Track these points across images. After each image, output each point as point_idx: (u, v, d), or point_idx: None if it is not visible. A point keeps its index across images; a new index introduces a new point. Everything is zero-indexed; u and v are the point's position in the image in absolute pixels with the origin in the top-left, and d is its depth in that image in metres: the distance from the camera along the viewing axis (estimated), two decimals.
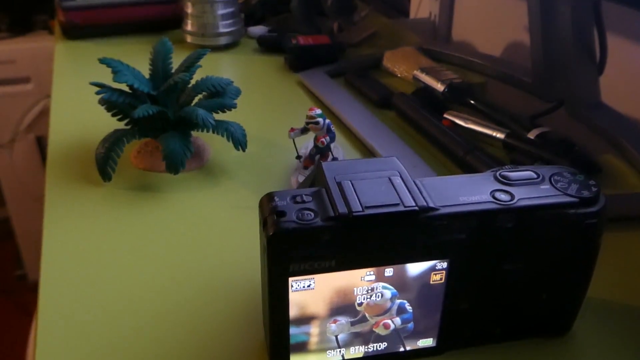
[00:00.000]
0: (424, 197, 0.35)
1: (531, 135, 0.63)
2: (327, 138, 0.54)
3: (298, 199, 0.35)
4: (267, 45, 0.89)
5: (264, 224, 0.34)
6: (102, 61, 0.57)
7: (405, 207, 0.34)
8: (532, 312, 0.39)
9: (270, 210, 0.34)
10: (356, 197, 0.34)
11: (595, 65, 0.67)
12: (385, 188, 0.35)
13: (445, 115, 0.67)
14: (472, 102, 0.71)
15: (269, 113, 0.72)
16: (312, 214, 0.34)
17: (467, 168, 0.58)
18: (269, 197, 0.35)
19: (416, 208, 0.34)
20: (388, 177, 0.36)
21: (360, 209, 0.33)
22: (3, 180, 1.64)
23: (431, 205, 0.34)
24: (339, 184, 0.35)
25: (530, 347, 0.40)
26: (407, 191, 0.35)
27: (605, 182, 0.58)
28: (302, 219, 0.33)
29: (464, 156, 0.59)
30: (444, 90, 0.73)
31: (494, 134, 0.64)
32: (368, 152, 0.63)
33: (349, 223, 0.33)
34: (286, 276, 0.34)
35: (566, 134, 0.63)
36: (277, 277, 0.34)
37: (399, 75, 0.81)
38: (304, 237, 0.33)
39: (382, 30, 0.97)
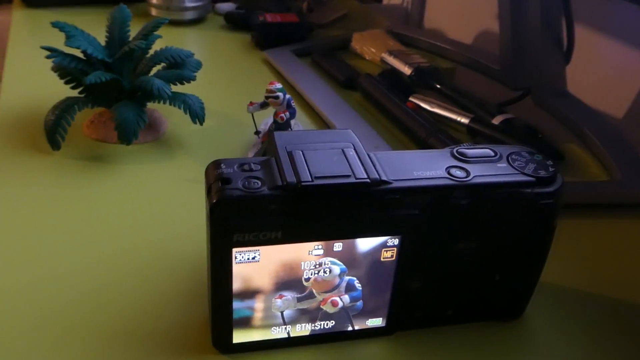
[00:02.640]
0: (377, 170, 0.33)
1: (495, 121, 0.62)
2: (287, 114, 0.53)
3: (246, 167, 0.33)
4: (234, 22, 0.87)
5: (208, 191, 0.32)
6: (55, 25, 0.55)
7: (356, 179, 0.32)
8: (484, 293, 0.38)
9: (215, 177, 0.33)
10: (306, 167, 0.33)
11: (562, 54, 0.67)
12: (338, 159, 0.34)
13: (411, 98, 0.66)
14: (438, 86, 0.70)
15: (232, 89, 0.70)
16: (259, 182, 0.32)
17: None
18: (215, 164, 0.34)
19: (368, 180, 0.32)
20: (341, 149, 0.35)
21: (310, 179, 0.32)
22: None
23: (384, 178, 0.33)
24: (290, 154, 0.34)
25: (483, 330, 0.39)
26: (359, 163, 0.34)
27: (568, 170, 0.58)
28: (248, 187, 0.32)
29: (427, 138, 0.58)
30: (411, 73, 0.72)
31: (459, 118, 0.63)
32: None
33: (297, 193, 0.32)
34: (229, 247, 0.32)
35: (531, 121, 0.62)
36: (219, 248, 0.32)
37: (367, 57, 0.79)
38: (249, 205, 0.31)
39: (353, 13, 0.95)
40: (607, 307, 0.42)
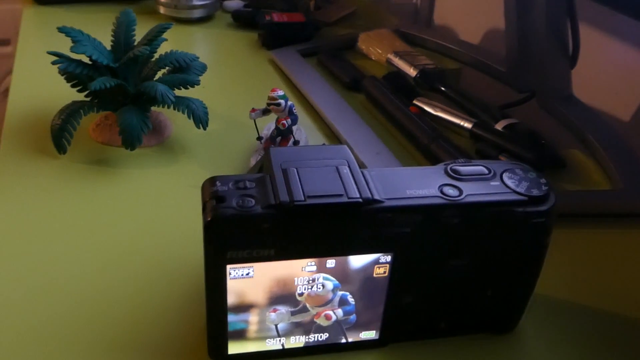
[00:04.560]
0: (369, 189, 0.34)
1: (499, 126, 0.62)
2: (289, 120, 0.53)
3: (241, 184, 0.34)
4: (241, 21, 0.87)
5: (203, 208, 0.33)
6: (62, 30, 0.55)
7: (348, 198, 0.33)
8: (477, 308, 0.39)
9: (210, 194, 0.33)
10: (300, 186, 0.33)
11: (568, 58, 0.66)
12: (331, 177, 0.34)
13: (415, 102, 0.66)
14: (443, 89, 0.70)
15: (237, 91, 0.71)
16: (253, 200, 0.33)
17: (431, 156, 0.58)
18: (210, 182, 0.34)
19: (360, 200, 0.33)
20: (336, 167, 0.35)
21: (302, 198, 0.32)
22: None
23: (376, 197, 0.33)
24: (285, 171, 0.34)
25: (476, 342, 0.40)
26: (353, 182, 0.34)
27: (569, 177, 0.58)
28: (242, 205, 0.32)
29: (429, 144, 0.58)
30: (416, 75, 0.72)
31: (462, 123, 0.63)
32: (333, 136, 0.62)
33: (289, 212, 0.32)
34: (223, 263, 0.33)
35: (535, 125, 0.62)
36: (214, 264, 0.33)
37: (373, 57, 0.79)
38: (243, 224, 0.32)
39: (361, 11, 0.95)
40: (602, 321, 0.42)
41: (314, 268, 0.34)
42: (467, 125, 0.62)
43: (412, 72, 0.73)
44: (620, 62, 0.69)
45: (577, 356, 0.40)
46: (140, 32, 0.59)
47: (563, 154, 0.60)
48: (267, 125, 0.58)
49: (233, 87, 0.72)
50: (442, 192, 0.35)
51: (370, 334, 0.38)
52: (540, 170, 0.37)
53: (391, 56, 0.76)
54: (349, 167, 0.35)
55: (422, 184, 0.35)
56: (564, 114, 0.65)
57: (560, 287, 0.45)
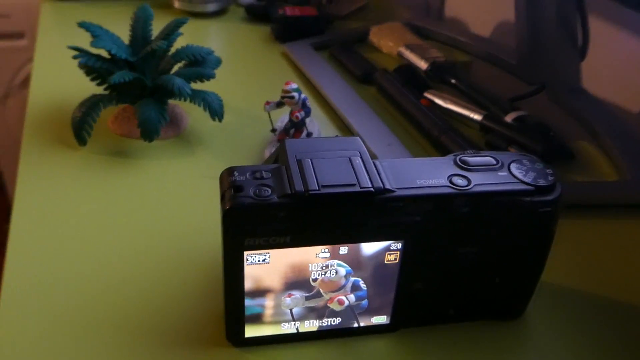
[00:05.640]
0: (381, 179, 0.35)
1: (508, 118, 0.63)
2: (302, 113, 0.55)
3: (257, 174, 0.35)
4: (254, 14, 0.89)
5: (222, 197, 0.35)
6: (81, 25, 0.57)
7: (361, 187, 0.34)
8: (485, 295, 0.40)
9: (228, 184, 0.35)
10: (314, 176, 0.35)
11: (577, 50, 0.67)
12: (344, 168, 0.36)
13: (425, 95, 0.67)
14: (453, 81, 0.71)
15: (250, 84, 0.72)
16: (269, 190, 0.34)
17: (441, 148, 0.59)
18: (228, 172, 0.36)
19: (372, 189, 0.34)
20: (348, 157, 0.36)
21: (317, 188, 0.34)
22: None
23: (387, 186, 0.35)
24: (299, 162, 0.36)
25: (484, 328, 0.41)
26: (365, 172, 0.35)
27: (578, 169, 0.59)
28: (259, 195, 0.34)
29: (439, 136, 0.59)
30: (427, 68, 0.73)
31: (472, 115, 0.64)
32: (345, 128, 0.63)
33: (304, 201, 0.34)
34: (241, 250, 0.34)
35: (544, 118, 0.63)
36: (232, 250, 0.35)
37: (384, 50, 0.80)
38: (259, 212, 0.34)
39: (373, 4, 0.96)
40: (607, 310, 0.43)
41: (328, 255, 0.36)
42: (477, 117, 0.63)
43: (423, 65, 0.74)
44: (630, 55, 0.69)
45: (582, 343, 0.41)
46: (155, 26, 0.61)
47: (572, 146, 0.61)
48: (281, 117, 0.59)
49: (247, 80, 0.73)
50: (451, 182, 0.36)
51: (381, 319, 0.40)
52: (549, 162, 0.39)
53: (402, 49, 0.77)
54: (361, 158, 0.37)
55: (432, 174, 0.36)
56: (573, 107, 0.66)
57: (567, 275, 0.46)
